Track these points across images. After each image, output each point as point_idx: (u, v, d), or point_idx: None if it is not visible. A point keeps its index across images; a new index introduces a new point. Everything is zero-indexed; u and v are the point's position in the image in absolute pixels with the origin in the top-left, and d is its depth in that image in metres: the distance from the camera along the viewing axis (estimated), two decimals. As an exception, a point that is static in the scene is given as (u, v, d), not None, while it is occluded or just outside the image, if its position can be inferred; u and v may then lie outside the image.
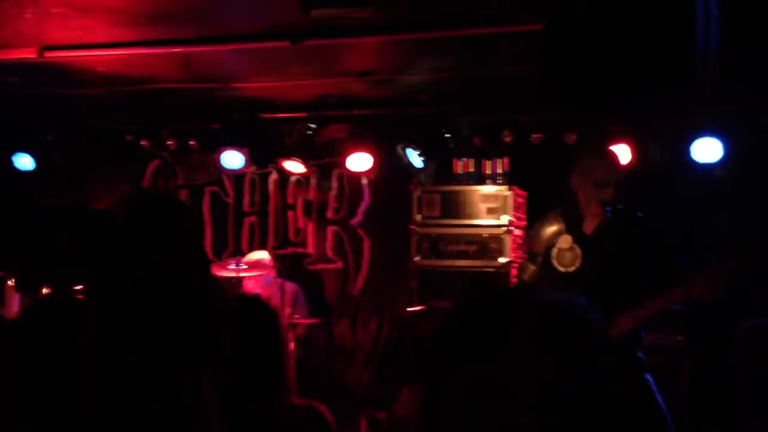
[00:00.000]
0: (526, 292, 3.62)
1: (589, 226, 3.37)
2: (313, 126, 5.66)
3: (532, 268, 3.51)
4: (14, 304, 4.90)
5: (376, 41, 4.25)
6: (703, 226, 4.90)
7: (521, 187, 5.29)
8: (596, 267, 3.28)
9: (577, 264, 3.32)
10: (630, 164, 4.96)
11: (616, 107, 3.69)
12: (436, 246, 5.25)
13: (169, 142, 6.07)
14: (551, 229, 3.44)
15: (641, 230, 3.35)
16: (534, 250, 3.51)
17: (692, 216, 4.96)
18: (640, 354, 3.28)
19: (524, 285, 3.54)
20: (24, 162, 6.13)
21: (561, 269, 3.35)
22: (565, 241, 3.35)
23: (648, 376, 3.24)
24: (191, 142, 6.05)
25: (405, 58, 4.64)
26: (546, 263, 3.40)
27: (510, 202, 5.12)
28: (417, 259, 5.28)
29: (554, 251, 3.37)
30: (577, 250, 3.33)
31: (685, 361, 4.53)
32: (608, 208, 3.30)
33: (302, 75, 4.96)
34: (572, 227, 3.38)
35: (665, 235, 3.40)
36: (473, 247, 5.17)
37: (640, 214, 3.42)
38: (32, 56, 4.47)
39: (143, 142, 6.09)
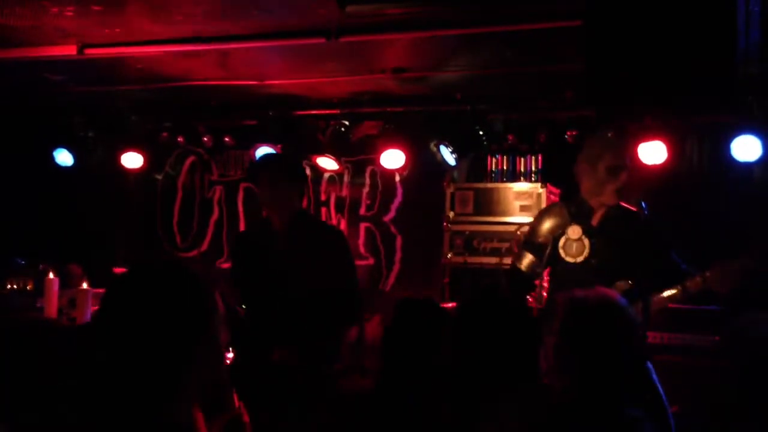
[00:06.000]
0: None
1: (595, 218, 3.42)
2: (346, 123, 5.67)
3: (530, 257, 3.55)
4: (53, 297, 4.98)
5: (411, 38, 4.25)
6: (740, 225, 4.81)
7: (555, 185, 5.26)
8: (603, 258, 3.34)
9: (585, 255, 3.37)
10: (667, 162, 4.90)
11: (654, 104, 3.65)
12: (469, 243, 5.24)
13: (205, 139, 6.14)
14: (554, 220, 3.49)
15: (640, 225, 3.35)
16: (535, 240, 3.54)
17: (730, 214, 4.87)
18: None
19: (521, 274, 3.56)
20: (64, 158, 6.25)
21: (568, 259, 3.40)
22: (574, 231, 3.40)
23: (648, 364, 3.23)
24: (226, 139, 6.11)
25: (439, 55, 4.63)
26: (553, 254, 3.43)
27: (543, 200, 5.09)
28: (449, 256, 5.27)
29: (561, 241, 3.42)
30: (585, 241, 3.38)
31: (720, 361, 4.46)
32: (643, 203, 3.28)
33: (336, 72, 4.97)
34: (579, 219, 3.42)
35: (662, 232, 3.42)
36: (506, 245, 5.15)
37: (644, 204, 3.40)
38: (73, 53, 4.55)
39: (179, 138, 6.17)
